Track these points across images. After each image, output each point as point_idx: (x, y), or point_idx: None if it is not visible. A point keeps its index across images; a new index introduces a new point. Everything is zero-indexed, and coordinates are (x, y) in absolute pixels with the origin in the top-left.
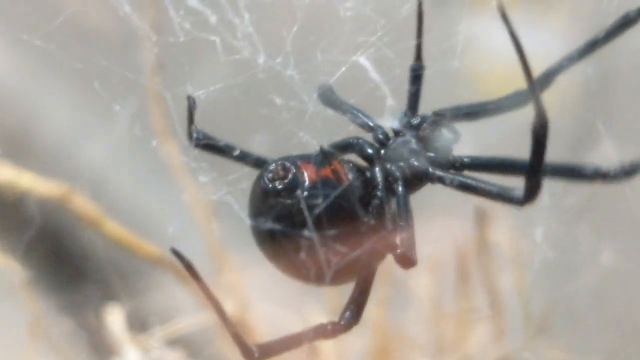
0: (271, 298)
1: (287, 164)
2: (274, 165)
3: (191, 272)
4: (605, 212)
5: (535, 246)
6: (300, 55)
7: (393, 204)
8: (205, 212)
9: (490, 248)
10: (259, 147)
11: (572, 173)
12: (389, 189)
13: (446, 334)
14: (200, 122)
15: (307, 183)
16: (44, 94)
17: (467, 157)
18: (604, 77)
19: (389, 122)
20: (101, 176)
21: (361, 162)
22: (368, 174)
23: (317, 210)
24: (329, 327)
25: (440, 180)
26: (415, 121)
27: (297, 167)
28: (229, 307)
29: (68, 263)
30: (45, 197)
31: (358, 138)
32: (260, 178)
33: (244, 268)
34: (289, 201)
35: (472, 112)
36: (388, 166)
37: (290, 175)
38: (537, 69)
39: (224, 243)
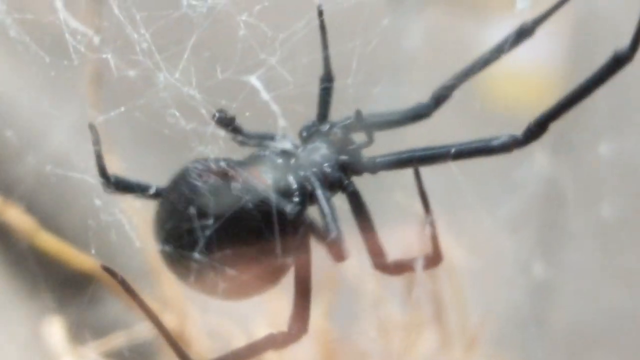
0: (210, 309)
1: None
2: (194, 164)
3: (125, 287)
4: (538, 223)
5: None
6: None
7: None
8: (145, 223)
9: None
10: (159, 166)
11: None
12: (307, 194)
13: (393, 344)
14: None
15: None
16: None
17: (379, 156)
18: None
19: (282, 144)
20: (36, 188)
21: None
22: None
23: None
24: (279, 337)
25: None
26: (324, 128)
27: (222, 168)
28: (169, 319)
29: (3, 275)
30: None
31: (265, 150)
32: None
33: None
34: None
35: (381, 122)
36: (301, 173)
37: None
38: (529, 70)
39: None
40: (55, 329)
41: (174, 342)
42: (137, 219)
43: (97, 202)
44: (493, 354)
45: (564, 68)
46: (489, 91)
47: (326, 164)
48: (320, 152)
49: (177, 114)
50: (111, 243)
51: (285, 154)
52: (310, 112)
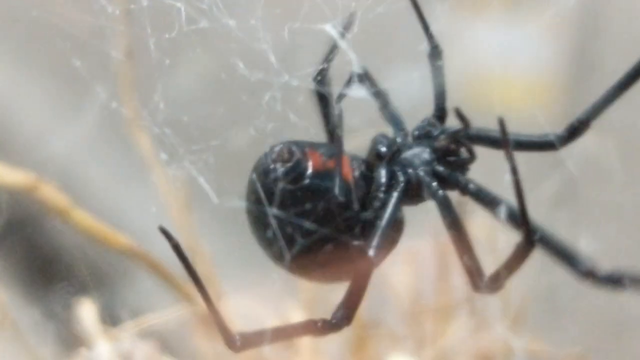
0: (246, 293)
1: (294, 148)
2: (280, 146)
3: (178, 253)
4: (583, 200)
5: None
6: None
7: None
8: (178, 203)
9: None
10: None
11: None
12: (388, 191)
13: (425, 328)
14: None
15: (309, 171)
16: (13, 84)
17: (474, 183)
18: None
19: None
20: (70, 167)
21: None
22: (374, 172)
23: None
24: (319, 324)
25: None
26: (436, 132)
27: (304, 153)
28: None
29: (38, 255)
30: (13, 187)
31: (381, 134)
32: (263, 157)
33: (218, 260)
34: (287, 186)
35: (495, 141)
36: (396, 169)
37: (294, 159)
38: (520, 69)
39: (197, 234)
40: (88, 310)
41: (218, 316)
42: (171, 199)
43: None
44: (531, 337)
45: (562, 71)
46: (486, 95)
47: (422, 169)
48: (421, 156)
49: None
50: (145, 223)
51: (390, 146)
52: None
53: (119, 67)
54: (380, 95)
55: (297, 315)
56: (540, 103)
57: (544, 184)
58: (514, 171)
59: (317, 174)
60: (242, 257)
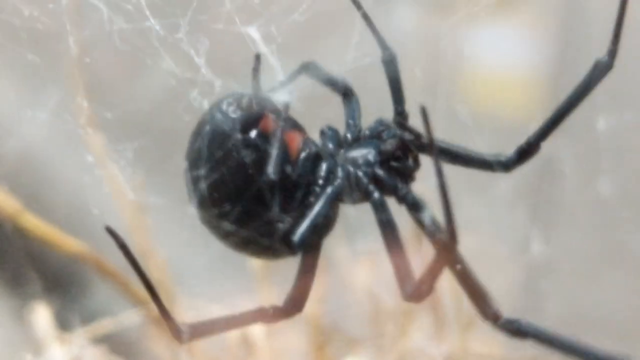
0: (199, 294)
1: (248, 100)
2: (235, 96)
3: (125, 252)
4: (536, 200)
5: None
6: None
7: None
8: (131, 206)
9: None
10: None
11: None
12: (324, 185)
13: (386, 330)
14: None
15: (257, 130)
16: None
17: (413, 194)
18: None
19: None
20: (20, 168)
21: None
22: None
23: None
24: (270, 310)
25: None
26: (386, 134)
27: (261, 112)
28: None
29: None
30: None
31: (330, 128)
32: (214, 106)
33: (170, 262)
34: (233, 137)
35: (450, 154)
36: (338, 165)
37: (249, 109)
38: (515, 73)
39: (150, 238)
40: (41, 315)
41: (164, 309)
42: (124, 202)
43: (86, 179)
44: (488, 337)
45: (550, 70)
46: (475, 94)
47: (363, 170)
48: (366, 157)
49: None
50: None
51: (336, 140)
52: None
53: (71, 66)
54: (336, 85)
55: None
56: (525, 101)
57: (500, 184)
58: (439, 173)
59: (264, 134)
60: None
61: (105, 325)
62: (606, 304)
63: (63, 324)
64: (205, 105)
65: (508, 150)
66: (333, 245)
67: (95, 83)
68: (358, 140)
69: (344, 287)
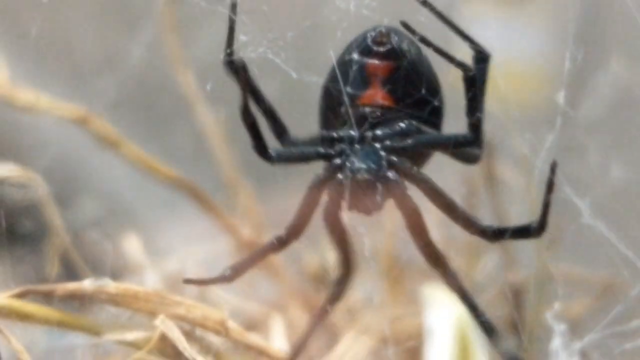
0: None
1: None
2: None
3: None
4: (614, 126)
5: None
6: None
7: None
8: (220, 139)
9: (497, 178)
10: None
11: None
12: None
13: (455, 263)
14: None
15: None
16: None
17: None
18: None
19: None
20: (116, 104)
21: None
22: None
23: None
24: (275, 241)
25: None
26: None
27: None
28: (245, 232)
29: (84, 188)
30: (64, 119)
31: None
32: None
33: (258, 195)
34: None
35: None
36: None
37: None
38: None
39: (239, 169)
40: (133, 243)
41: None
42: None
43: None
44: (564, 259)
45: (556, 62)
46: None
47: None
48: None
49: None
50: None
51: None
52: None
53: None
54: None
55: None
56: (539, 93)
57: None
58: None
59: None
60: None
61: (197, 251)
62: None
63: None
64: None
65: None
66: None
67: None
68: None
69: None
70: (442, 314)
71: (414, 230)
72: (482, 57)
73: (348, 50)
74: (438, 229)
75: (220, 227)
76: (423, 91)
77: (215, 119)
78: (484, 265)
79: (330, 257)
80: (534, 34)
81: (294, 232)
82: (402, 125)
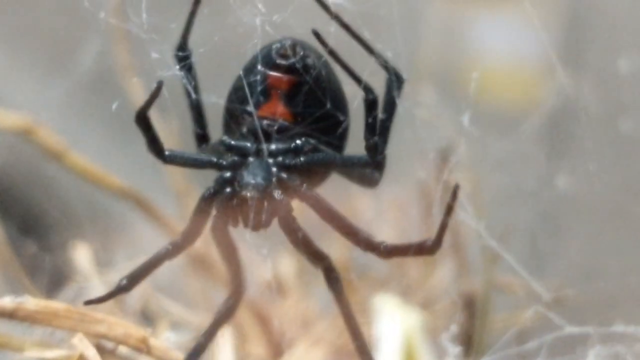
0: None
1: (297, 46)
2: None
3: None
4: (560, 136)
5: (490, 176)
6: None
7: None
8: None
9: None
10: None
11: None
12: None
13: (411, 274)
14: None
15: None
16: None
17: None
18: None
19: None
20: (65, 113)
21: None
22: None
23: None
24: (170, 247)
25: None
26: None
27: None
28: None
29: (32, 199)
30: (9, 130)
31: None
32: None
33: None
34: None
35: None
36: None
37: (298, 54)
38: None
39: (189, 179)
40: (83, 252)
41: None
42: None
43: None
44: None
45: (552, 62)
46: (480, 85)
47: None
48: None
49: None
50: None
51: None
52: None
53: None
54: None
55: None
56: (530, 93)
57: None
58: None
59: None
60: None
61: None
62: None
63: (104, 262)
64: None
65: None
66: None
67: None
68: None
69: (371, 231)
70: (391, 324)
71: (299, 248)
72: (396, 80)
73: (254, 58)
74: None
75: (169, 237)
76: (324, 109)
77: (167, 129)
78: (439, 274)
79: (284, 265)
80: (527, 32)
81: (188, 239)
82: (298, 142)
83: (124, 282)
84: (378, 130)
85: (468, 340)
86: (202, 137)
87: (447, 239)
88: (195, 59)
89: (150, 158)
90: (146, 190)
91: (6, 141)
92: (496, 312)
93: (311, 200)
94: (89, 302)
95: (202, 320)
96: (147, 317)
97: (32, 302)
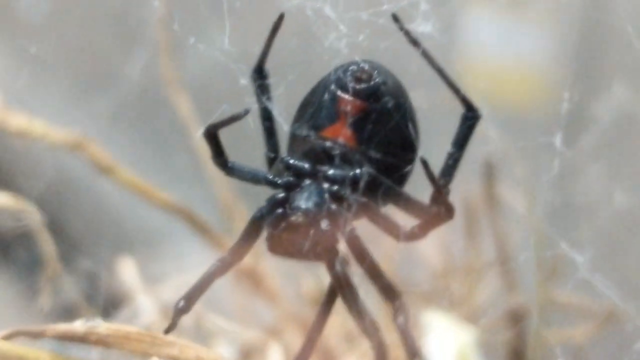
0: None
1: (374, 71)
2: (355, 66)
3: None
4: (617, 153)
5: (544, 192)
6: None
7: None
8: None
9: (498, 201)
10: None
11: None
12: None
13: (455, 288)
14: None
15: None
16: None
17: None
18: None
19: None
20: (111, 128)
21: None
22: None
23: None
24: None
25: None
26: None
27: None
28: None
29: (81, 213)
30: (58, 145)
31: None
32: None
33: None
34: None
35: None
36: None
37: (375, 80)
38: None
39: (235, 192)
40: (129, 267)
41: None
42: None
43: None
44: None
45: (563, 64)
46: (487, 88)
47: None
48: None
49: None
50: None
51: None
52: None
53: (157, 29)
54: None
55: None
56: (540, 96)
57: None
58: None
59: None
60: None
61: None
62: None
63: (154, 278)
64: None
65: None
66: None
67: None
68: None
69: (414, 245)
70: (444, 340)
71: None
72: (472, 115)
73: (329, 76)
74: (439, 255)
75: (217, 252)
76: (394, 144)
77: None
78: (485, 289)
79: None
80: (535, 39)
81: (237, 256)
82: (357, 171)
83: (182, 304)
84: (444, 165)
85: (517, 357)
86: (273, 161)
87: (491, 252)
88: (271, 81)
89: (194, 172)
90: (189, 203)
91: (55, 157)
92: (549, 327)
93: (351, 239)
94: (167, 331)
95: (251, 335)
96: (199, 334)
97: (104, 326)
